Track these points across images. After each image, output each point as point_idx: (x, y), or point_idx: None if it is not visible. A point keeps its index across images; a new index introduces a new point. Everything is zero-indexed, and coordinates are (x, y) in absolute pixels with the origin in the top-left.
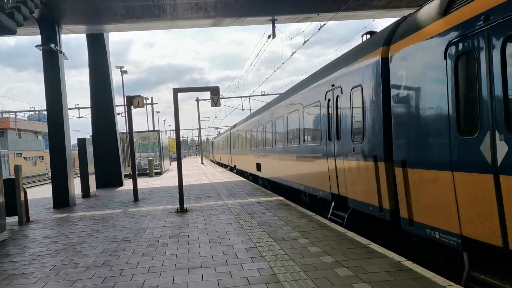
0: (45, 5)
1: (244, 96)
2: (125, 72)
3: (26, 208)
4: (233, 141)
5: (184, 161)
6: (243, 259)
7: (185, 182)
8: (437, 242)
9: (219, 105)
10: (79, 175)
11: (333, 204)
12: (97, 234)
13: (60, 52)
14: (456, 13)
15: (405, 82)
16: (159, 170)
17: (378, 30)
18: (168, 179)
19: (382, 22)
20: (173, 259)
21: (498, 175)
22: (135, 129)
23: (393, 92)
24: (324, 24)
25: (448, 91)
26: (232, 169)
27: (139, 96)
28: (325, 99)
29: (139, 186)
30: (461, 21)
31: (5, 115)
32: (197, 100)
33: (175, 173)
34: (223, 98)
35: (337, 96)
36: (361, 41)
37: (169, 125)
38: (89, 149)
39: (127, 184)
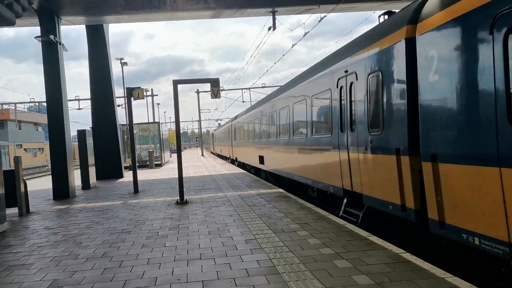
0: None
1: (244, 88)
2: (125, 63)
3: (26, 199)
4: (234, 133)
5: (184, 153)
6: (242, 250)
7: (185, 174)
8: (476, 248)
9: (219, 97)
10: (79, 166)
11: (345, 201)
12: (97, 226)
13: (60, 43)
14: None
15: (438, 64)
16: (159, 162)
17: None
18: (168, 171)
19: None
20: (172, 251)
21: None
22: (135, 121)
23: (421, 76)
24: (325, 16)
25: (496, 73)
26: (233, 161)
27: (139, 87)
28: (337, 86)
29: (139, 178)
30: None
31: (5, 106)
32: (198, 92)
33: (175, 165)
34: (223, 90)
35: (351, 83)
36: (378, 23)
37: (169, 117)
38: (89, 141)
39: (127, 175)
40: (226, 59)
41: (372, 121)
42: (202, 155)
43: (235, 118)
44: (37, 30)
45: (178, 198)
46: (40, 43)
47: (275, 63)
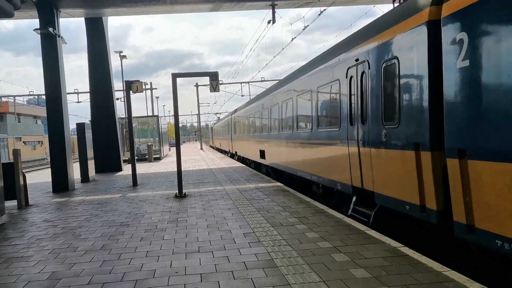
0: None
1: (243, 82)
2: (124, 57)
3: (25, 192)
4: (234, 127)
5: (183, 147)
6: (240, 244)
7: (184, 167)
8: None
9: (218, 91)
10: (78, 160)
11: (354, 199)
12: (96, 219)
13: (59, 36)
14: None
15: (468, 48)
16: (158, 156)
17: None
18: (167, 164)
19: (383, 8)
20: (171, 244)
21: None
22: (134, 114)
23: (447, 62)
24: (325, 9)
25: None
26: (232, 155)
27: (138, 81)
28: (346, 77)
29: (138, 171)
30: None
31: (4, 99)
32: (197, 85)
33: (174, 158)
34: (222, 84)
35: (363, 73)
36: (392, 8)
37: (168, 111)
38: (88, 134)
39: (126, 169)
40: (225, 52)
41: (387, 113)
42: (201, 149)
43: (235, 111)
44: (36, 22)
45: (177, 191)
46: (39, 35)
47: (274, 56)
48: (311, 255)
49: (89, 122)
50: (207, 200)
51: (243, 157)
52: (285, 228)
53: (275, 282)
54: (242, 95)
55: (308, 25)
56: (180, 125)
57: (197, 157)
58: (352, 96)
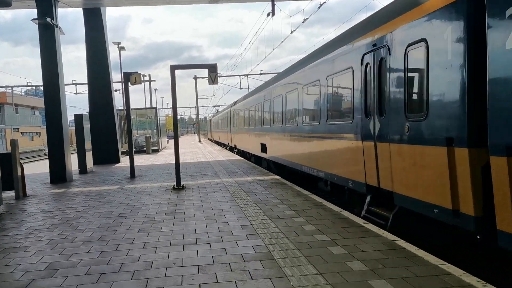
0: None
1: (242, 75)
2: (123, 48)
3: (23, 182)
4: (233, 119)
5: (181, 139)
6: (238, 236)
7: (182, 159)
8: None
9: (217, 83)
10: (76, 151)
11: (368, 198)
12: (93, 210)
13: (57, 26)
14: None
15: None
16: (156, 148)
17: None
18: (165, 156)
19: (383, 2)
20: (168, 235)
21: None
22: (132, 106)
23: (493, 42)
24: (324, 2)
25: None
26: (232, 149)
27: (137, 72)
28: (361, 64)
29: (136, 163)
30: None
31: (1, 90)
32: (195, 77)
33: (172, 150)
34: (221, 76)
35: (381, 59)
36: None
37: (167, 103)
38: (86, 125)
39: (124, 161)
40: (224, 45)
41: (411, 103)
42: (199, 141)
43: (235, 103)
44: (34, 12)
45: (175, 183)
46: (37, 25)
47: (273, 49)
48: (308, 247)
49: (87, 113)
50: (205, 192)
51: (243, 151)
52: (283, 220)
53: (272, 274)
54: (240, 88)
55: (307, 18)
56: (179, 117)
57: (195, 150)
58: (368, 86)
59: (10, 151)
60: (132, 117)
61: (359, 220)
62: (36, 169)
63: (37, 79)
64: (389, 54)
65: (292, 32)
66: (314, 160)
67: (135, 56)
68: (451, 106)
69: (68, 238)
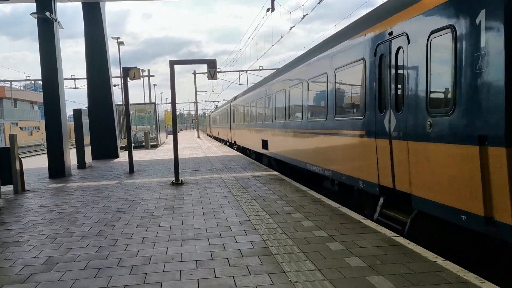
0: None
1: (241, 71)
2: (122, 43)
3: (22, 177)
4: (233, 115)
5: (180, 135)
6: (236, 231)
7: (181, 155)
8: None
9: (216, 78)
10: (75, 146)
11: (381, 200)
12: (92, 205)
13: (56, 20)
14: None
15: None
16: (155, 143)
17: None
18: (164, 152)
19: None
20: (167, 231)
21: None
22: (131, 101)
23: None
24: None
25: None
26: (231, 145)
27: (136, 67)
28: (375, 55)
29: (134, 158)
30: None
31: (0, 84)
32: (194, 73)
33: (171, 146)
34: (220, 72)
35: (399, 49)
36: None
37: (166, 98)
38: (85, 120)
39: (123, 156)
40: (223, 41)
41: (435, 97)
42: (198, 137)
43: (235, 98)
44: (33, 6)
45: (174, 179)
46: (36, 20)
47: (272, 45)
48: (307, 243)
49: (86, 108)
50: (203, 188)
51: (243, 147)
52: (281, 216)
53: (271, 270)
54: (240, 84)
55: (307, 14)
56: (177, 113)
57: (194, 145)
58: (382, 78)
59: (9, 146)
60: (131, 112)
61: (357, 216)
62: (35, 164)
63: (36, 73)
64: (408, 43)
65: (291, 28)
66: (320, 158)
67: (134, 51)
68: (485, 100)
69: (67, 233)
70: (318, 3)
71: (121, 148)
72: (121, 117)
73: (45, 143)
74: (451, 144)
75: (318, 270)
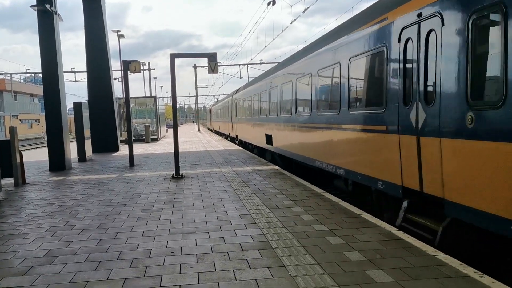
0: None
1: (242, 64)
2: (122, 36)
3: (22, 170)
4: (235, 108)
5: (180, 129)
6: (236, 225)
7: (181, 149)
8: None
9: (216, 72)
10: (75, 139)
11: (405, 204)
12: (92, 198)
13: (55, 13)
14: None
15: None
16: (155, 137)
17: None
18: (164, 145)
19: None
20: (167, 224)
21: None
22: (131, 94)
23: None
24: None
25: None
26: (233, 139)
27: (136, 61)
28: (399, 40)
29: (135, 151)
30: None
31: (0, 77)
32: (195, 66)
33: (171, 139)
34: (220, 65)
35: (430, 32)
36: None
37: (166, 92)
38: (85, 114)
39: (123, 149)
40: (224, 34)
41: (478, 87)
42: (199, 130)
43: (237, 91)
44: None
45: (174, 172)
46: (36, 12)
47: (273, 39)
48: (307, 237)
49: (86, 101)
50: (204, 182)
51: (245, 142)
52: (281, 210)
53: (270, 264)
54: (240, 77)
55: (308, 8)
56: (178, 106)
57: (194, 139)
58: (408, 67)
59: (9, 138)
60: (131, 105)
61: (357, 211)
62: (35, 157)
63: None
64: (443, 24)
65: (292, 21)
66: (332, 155)
67: (135, 44)
68: None
69: (67, 226)
70: None
71: (122, 141)
72: (122, 110)
73: (46, 136)
74: (499, 142)
75: (318, 264)
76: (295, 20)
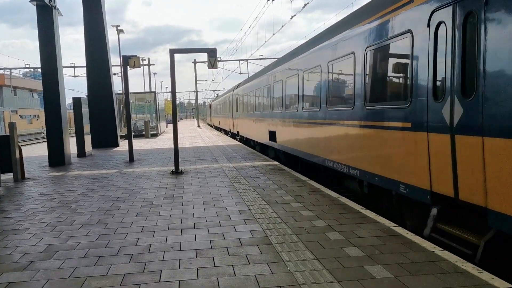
0: None
1: (242, 60)
2: (122, 31)
3: (21, 165)
4: (236, 103)
5: (180, 124)
6: (236, 221)
7: (180, 144)
8: None
9: (216, 67)
10: (74, 134)
11: (435, 211)
12: (92, 193)
13: (55, 7)
14: None
15: None
16: (155, 132)
17: None
18: (164, 141)
19: None
20: (166, 220)
21: None
22: (131, 90)
23: None
24: None
25: None
26: (233, 135)
27: (136, 56)
28: (428, 25)
29: (134, 147)
30: None
31: (0, 71)
32: (195, 62)
33: (171, 135)
34: (220, 61)
35: (468, 15)
36: None
37: (166, 87)
38: (85, 109)
39: (123, 144)
40: (224, 29)
41: None
42: (198, 126)
43: (238, 86)
44: None
45: (174, 168)
46: (35, 7)
47: (273, 34)
48: (306, 233)
49: (85, 96)
50: (203, 177)
51: (246, 138)
52: (281, 206)
53: (270, 259)
54: (240, 73)
55: (308, 3)
56: (178, 102)
57: (194, 135)
58: (440, 55)
59: (9, 134)
60: (131, 101)
61: (357, 206)
62: (35, 152)
63: (36, 61)
64: (486, 4)
65: (292, 17)
66: (344, 154)
67: (134, 40)
68: None
69: (67, 221)
70: None
71: (121, 137)
72: (121, 105)
73: (45, 132)
74: None
75: (317, 259)
76: (295, 15)
